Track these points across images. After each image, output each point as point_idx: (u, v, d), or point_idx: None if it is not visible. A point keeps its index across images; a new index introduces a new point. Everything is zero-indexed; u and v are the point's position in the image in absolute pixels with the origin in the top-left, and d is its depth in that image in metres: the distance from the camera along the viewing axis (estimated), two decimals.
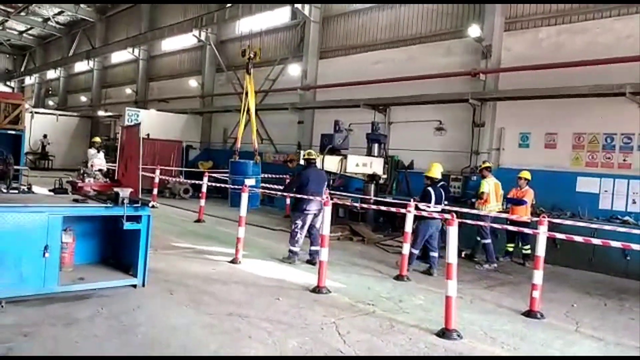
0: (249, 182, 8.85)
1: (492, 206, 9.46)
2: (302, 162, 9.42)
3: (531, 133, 11.49)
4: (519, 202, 9.42)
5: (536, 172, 10.06)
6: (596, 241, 6.10)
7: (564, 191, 10.43)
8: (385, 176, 12.51)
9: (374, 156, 12.23)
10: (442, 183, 8.86)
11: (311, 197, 8.15)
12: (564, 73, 10.58)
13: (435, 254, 8.30)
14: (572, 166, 10.75)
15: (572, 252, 8.99)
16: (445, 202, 8.70)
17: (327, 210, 6.84)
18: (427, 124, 13.34)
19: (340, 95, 15.46)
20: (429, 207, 8.15)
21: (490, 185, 9.45)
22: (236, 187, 8.92)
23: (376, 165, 12.04)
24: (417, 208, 7.91)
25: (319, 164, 10.54)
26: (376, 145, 12.38)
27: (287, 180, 11.05)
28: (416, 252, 8.34)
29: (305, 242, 8.49)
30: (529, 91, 11.04)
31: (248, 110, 10.50)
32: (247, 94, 10.44)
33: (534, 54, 11.37)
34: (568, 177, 10.57)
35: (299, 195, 8.36)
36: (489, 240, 9.22)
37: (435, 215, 7.85)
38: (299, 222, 8.34)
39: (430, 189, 8.41)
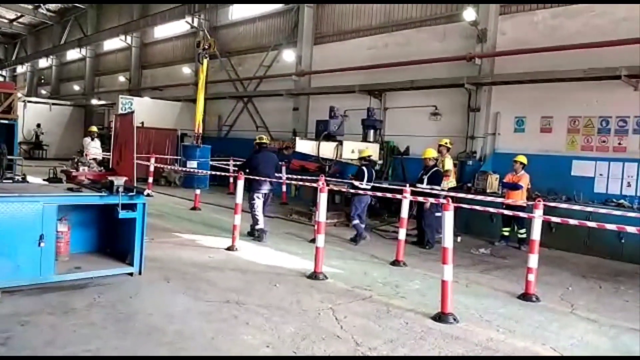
0: (191, 164, 9.60)
1: (451, 183, 9.96)
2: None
3: (526, 117, 11.48)
4: (515, 186, 9.45)
5: (532, 157, 10.08)
6: (591, 224, 6.13)
7: (560, 175, 10.47)
8: (381, 162, 12.50)
9: (369, 142, 12.20)
10: (435, 169, 9.28)
11: (262, 179, 8.81)
12: (559, 56, 10.55)
13: (362, 225, 9.20)
14: (568, 150, 10.77)
15: (567, 235, 9.06)
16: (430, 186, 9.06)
17: (323, 197, 6.84)
18: (423, 109, 13.31)
19: (336, 81, 15.39)
20: (362, 184, 9.12)
21: (451, 162, 10.16)
22: (186, 169, 9.50)
23: (372, 151, 11.99)
24: (352, 186, 9.12)
25: (314, 151, 10.61)
26: (372, 131, 12.35)
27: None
28: (357, 221, 9.16)
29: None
30: (524, 75, 11.01)
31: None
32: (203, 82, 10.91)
33: (530, 37, 11.31)
34: (563, 160, 10.59)
35: (251, 177, 8.95)
36: (441, 214, 9.49)
37: (367, 191, 8.81)
38: (255, 202, 9.02)
39: (364, 168, 9.37)
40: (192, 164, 9.75)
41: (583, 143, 10.59)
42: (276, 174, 9.75)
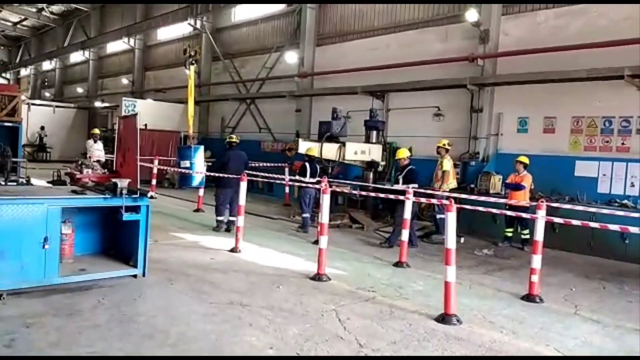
0: (183, 164, 10.44)
1: (452, 184, 9.92)
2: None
3: (529, 118, 11.47)
4: (517, 187, 9.45)
5: (534, 157, 10.07)
6: (594, 224, 6.10)
7: (563, 176, 10.45)
8: (383, 163, 12.49)
9: (372, 143, 12.19)
10: (410, 167, 9.34)
11: (230, 176, 9.41)
12: (562, 56, 10.53)
13: (306, 215, 10.19)
14: (571, 150, 10.75)
15: (570, 236, 9.03)
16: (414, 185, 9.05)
17: (326, 198, 6.85)
18: (425, 110, 13.31)
19: (338, 83, 15.40)
20: (304, 178, 10.05)
21: (450, 164, 10.13)
22: (181, 169, 10.44)
23: (375, 152, 12.01)
24: (296, 180, 10.14)
25: (317, 153, 10.66)
26: (374, 132, 12.34)
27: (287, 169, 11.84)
28: (307, 215, 10.20)
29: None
30: (527, 75, 10.99)
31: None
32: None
33: (532, 37, 11.30)
34: (566, 161, 10.57)
35: (219, 174, 9.69)
36: (443, 215, 9.42)
37: (310, 185, 9.84)
38: (221, 197, 9.83)
39: (307, 164, 10.32)
40: (185, 164, 10.28)
41: (586, 143, 10.57)
42: (246, 171, 10.05)
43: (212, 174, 10.05)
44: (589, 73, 9.94)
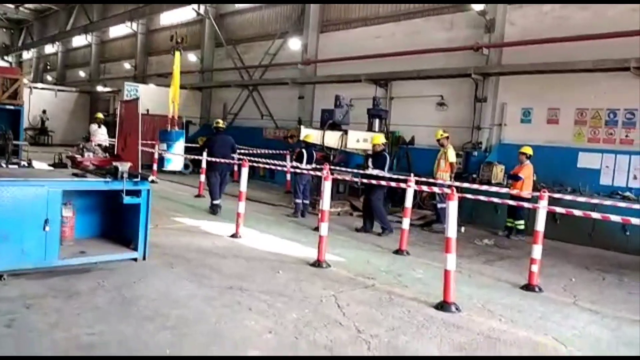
0: (161, 147, 11.15)
1: (446, 174, 9.91)
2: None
3: (533, 108, 11.40)
4: (515, 177, 9.44)
5: (538, 148, 10.02)
6: (596, 215, 6.08)
7: (565, 167, 10.42)
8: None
9: (374, 132, 12.14)
10: (383, 154, 9.40)
11: (217, 160, 9.81)
12: (568, 47, 10.45)
13: (299, 201, 10.28)
14: (574, 142, 10.70)
15: (572, 227, 9.01)
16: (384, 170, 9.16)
17: (327, 185, 6.84)
18: (429, 99, 13.24)
19: (341, 70, 15.31)
20: (300, 164, 10.14)
21: (454, 154, 10.18)
22: (162, 151, 11.19)
23: (314, 137, 11.92)
24: (293, 166, 10.36)
25: (319, 140, 10.65)
26: (377, 120, 12.28)
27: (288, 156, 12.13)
28: (299, 201, 10.30)
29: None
30: (532, 66, 10.92)
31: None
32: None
33: (538, 28, 11.20)
34: (570, 152, 10.54)
35: (208, 158, 10.15)
36: (444, 205, 9.50)
37: (306, 171, 9.90)
38: (212, 180, 10.17)
39: (304, 150, 10.33)
40: (163, 147, 10.80)
41: (590, 135, 10.53)
42: (232, 155, 10.66)
43: (194, 157, 10.37)
44: (595, 64, 9.87)
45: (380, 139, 9.70)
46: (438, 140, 10.18)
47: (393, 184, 8.45)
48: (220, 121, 11.27)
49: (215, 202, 10.09)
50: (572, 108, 10.76)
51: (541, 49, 10.91)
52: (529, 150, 9.53)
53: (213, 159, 10.07)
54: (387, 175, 9.05)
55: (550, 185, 9.82)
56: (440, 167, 9.97)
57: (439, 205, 9.71)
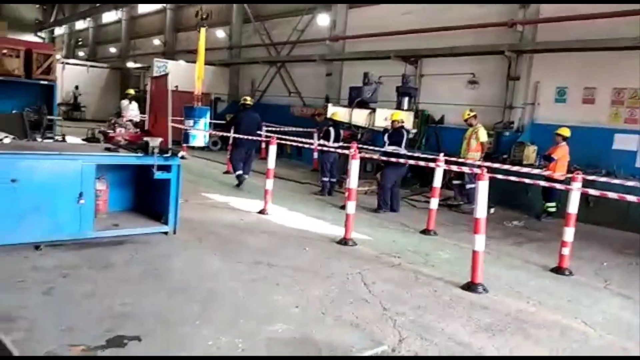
0: (187, 123, 11.53)
1: (477, 154, 9.74)
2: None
3: (568, 87, 11.05)
4: (548, 158, 9.24)
5: (572, 128, 9.70)
6: (631, 198, 5.89)
7: (600, 148, 10.10)
8: (414, 131, 12.30)
9: (403, 110, 11.99)
10: (399, 130, 9.28)
11: (243, 136, 9.92)
12: (606, 24, 10.01)
13: (326, 179, 10.26)
14: (610, 122, 10.36)
15: (605, 210, 8.77)
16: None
17: (355, 164, 6.82)
18: (460, 77, 12.96)
19: (370, 47, 15.09)
20: (327, 142, 10.06)
21: (485, 133, 9.94)
22: (187, 127, 11.58)
23: (405, 120, 11.82)
24: (320, 145, 10.26)
25: (346, 118, 10.58)
26: (406, 98, 12.11)
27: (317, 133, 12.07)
28: (326, 179, 10.26)
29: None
30: (568, 43, 10.55)
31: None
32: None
33: (576, 3, 10.75)
34: (605, 133, 10.21)
35: (234, 135, 10.29)
36: (474, 185, 9.33)
37: (332, 149, 9.73)
38: (236, 156, 10.40)
39: (331, 128, 10.19)
40: (189, 123, 10.99)
41: (627, 115, 10.17)
42: (257, 132, 10.79)
43: (223, 133, 10.43)
44: (634, 42, 9.45)
45: (400, 115, 9.56)
46: (466, 120, 9.98)
47: (412, 161, 8.42)
48: (248, 98, 11.34)
49: (238, 172, 10.34)
50: (609, 87, 10.38)
51: (577, 25, 10.50)
52: (566, 132, 9.25)
53: (240, 136, 10.12)
54: (404, 152, 8.95)
55: (584, 167, 9.54)
56: (471, 147, 9.75)
57: (468, 186, 9.58)
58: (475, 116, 9.90)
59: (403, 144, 9.09)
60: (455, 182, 10.12)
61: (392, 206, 9.18)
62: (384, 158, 8.58)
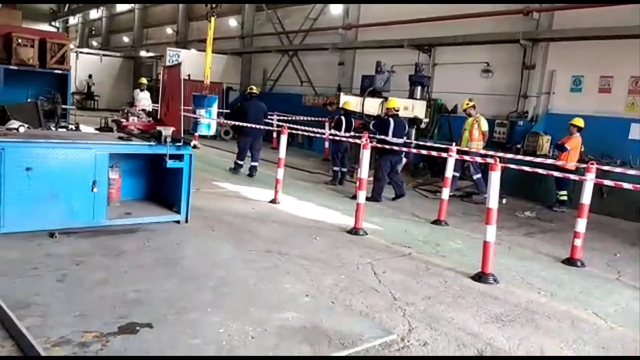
0: (200, 112, 11.37)
1: (480, 143, 9.70)
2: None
3: (584, 76, 10.87)
4: (561, 147, 9.15)
5: (587, 118, 9.58)
6: None
7: (615, 138, 9.95)
8: (427, 120, 12.23)
9: (416, 99, 11.92)
10: (389, 119, 9.18)
11: (250, 125, 9.88)
12: (624, 10, 9.81)
13: (337, 168, 10.25)
14: (627, 112, 10.19)
15: (619, 201, 8.69)
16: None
17: (366, 154, 6.80)
18: (474, 66, 12.82)
19: (383, 36, 14.96)
20: (339, 132, 10.00)
21: (486, 123, 9.92)
22: (196, 115, 11.35)
23: (418, 109, 11.75)
24: (331, 134, 10.30)
25: (358, 107, 10.54)
26: (419, 87, 12.03)
27: (329, 123, 12.21)
28: (337, 169, 10.25)
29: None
30: (585, 31, 10.36)
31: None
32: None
33: None
34: (621, 123, 10.05)
35: (239, 124, 10.26)
36: (479, 175, 9.51)
37: (344, 139, 9.82)
38: (242, 144, 10.52)
39: (342, 117, 10.14)
40: (201, 112, 11.22)
41: None
42: (265, 121, 11.00)
43: (231, 122, 10.51)
44: None
45: (396, 102, 9.45)
46: (465, 110, 10.00)
47: (396, 148, 8.45)
48: (254, 87, 11.40)
49: (237, 161, 10.54)
50: (626, 76, 10.19)
51: (595, 12, 10.30)
52: (580, 122, 9.14)
53: (248, 124, 10.12)
54: (391, 140, 8.85)
55: (598, 158, 9.42)
56: (474, 137, 9.73)
57: (475, 177, 9.52)
58: (474, 106, 9.94)
59: (390, 132, 8.93)
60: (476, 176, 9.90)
61: (398, 192, 9.14)
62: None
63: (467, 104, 9.94)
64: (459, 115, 12.27)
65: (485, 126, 9.78)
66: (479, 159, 8.32)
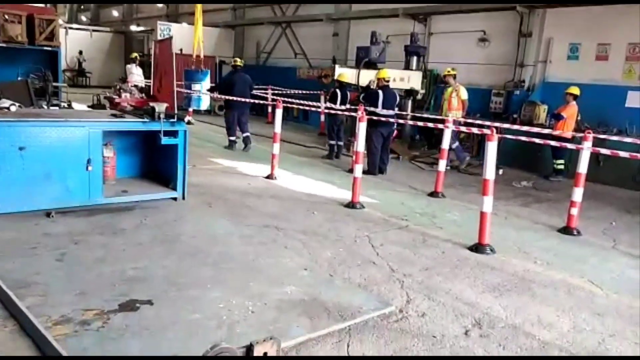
0: (196, 87, 11.71)
1: (459, 112, 9.76)
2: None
3: (582, 44, 10.75)
4: (557, 116, 9.13)
5: (584, 87, 9.53)
6: None
7: (612, 106, 9.92)
8: (423, 91, 12.14)
9: (412, 70, 11.79)
10: (378, 91, 9.11)
11: (236, 98, 9.92)
12: None
13: (333, 142, 10.25)
14: (624, 80, 10.12)
15: (615, 169, 8.72)
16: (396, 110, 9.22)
17: (362, 127, 6.75)
18: (470, 34, 12.65)
19: (378, 5, 14.68)
20: (334, 105, 9.85)
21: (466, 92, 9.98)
22: (188, 90, 11.80)
23: (414, 80, 11.64)
24: (327, 107, 10.19)
25: (353, 79, 10.42)
26: (415, 58, 11.89)
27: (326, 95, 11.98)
28: (333, 142, 10.24)
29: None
30: None
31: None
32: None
33: None
34: (618, 91, 10.00)
35: (228, 97, 10.30)
36: (457, 143, 9.74)
37: (340, 112, 9.77)
38: (230, 118, 10.48)
39: (337, 90, 10.09)
40: (196, 87, 11.17)
41: None
42: (252, 93, 10.97)
43: (229, 97, 10.34)
44: None
45: (386, 73, 9.29)
46: (444, 77, 10.14)
47: (384, 118, 8.44)
48: (239, 59, 11.36)
49: (231, 138, 10.52)
50: (624, 43, 10.08)
51: None
52: (576, 91, 9.11)
53: (234, 98, 10.10)
54: (380, 112, 8.73)
55: (595, 126, 9.41)
56: (452, 106, 9.73)
57: (453, 145, 9.29)
58: (454, 76, 10.02)
59: (379, 103, 8.85)
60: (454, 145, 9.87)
61: (380, 168, 9.08)
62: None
63: (448, 71, 10.05)
64: None
65: (464, 95, 9.83)
66: (456, 128, 8.33)
